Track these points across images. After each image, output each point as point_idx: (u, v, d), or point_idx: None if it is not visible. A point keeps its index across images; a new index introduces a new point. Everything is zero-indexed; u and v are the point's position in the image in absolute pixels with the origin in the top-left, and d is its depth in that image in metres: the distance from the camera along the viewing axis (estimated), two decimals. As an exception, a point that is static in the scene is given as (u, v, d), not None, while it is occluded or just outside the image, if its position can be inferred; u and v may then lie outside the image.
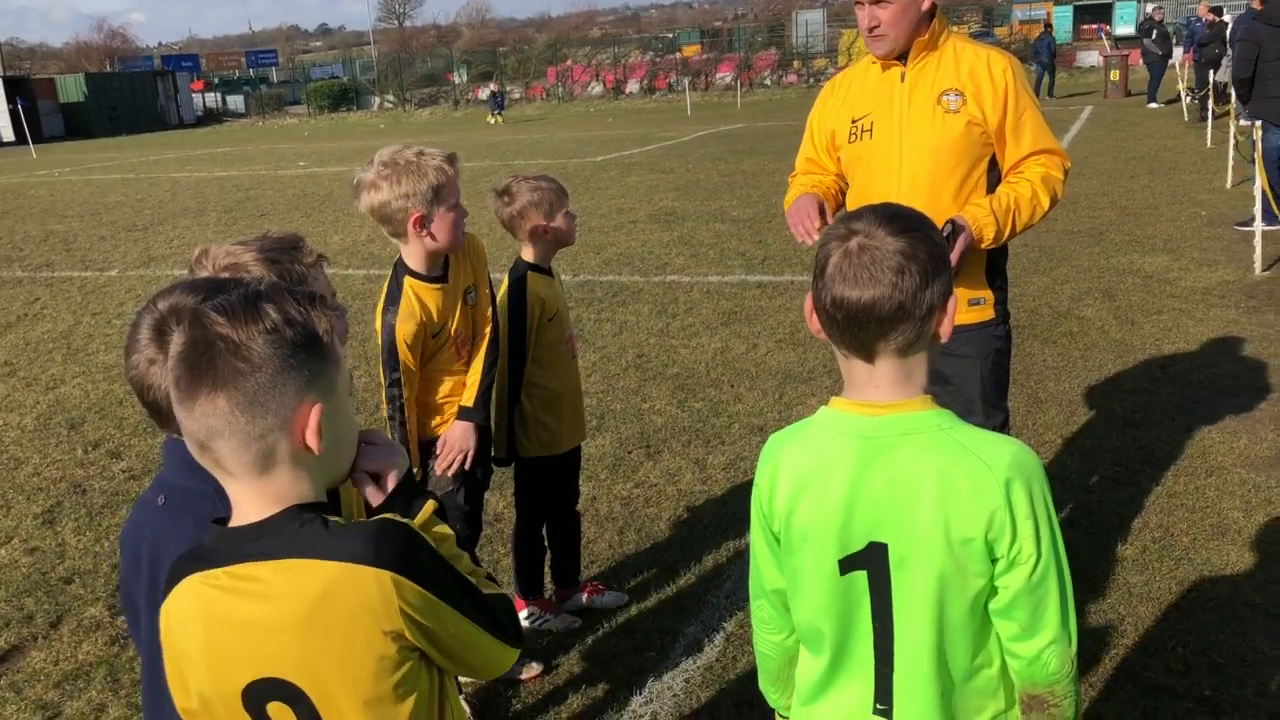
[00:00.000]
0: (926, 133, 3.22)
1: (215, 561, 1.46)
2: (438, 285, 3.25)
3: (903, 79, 3.27)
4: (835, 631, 1.78)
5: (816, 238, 3.14)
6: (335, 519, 1.47)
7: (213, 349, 1.39)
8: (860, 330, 1.67)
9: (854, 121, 3.35)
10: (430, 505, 1.60)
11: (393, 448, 1.63)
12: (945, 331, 1.72)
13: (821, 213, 3.23)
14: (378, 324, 3.25)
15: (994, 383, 3.43)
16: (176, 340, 1.43)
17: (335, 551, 1.41)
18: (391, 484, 1.60)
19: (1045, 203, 3.25)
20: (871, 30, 3.21)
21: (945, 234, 3.07)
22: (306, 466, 1.46)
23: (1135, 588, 3.94)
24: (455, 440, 3.36)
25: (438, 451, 3.37)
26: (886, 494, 1.68)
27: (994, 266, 3.38)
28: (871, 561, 1.72)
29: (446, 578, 1.50)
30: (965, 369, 3.34)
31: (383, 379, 3.28)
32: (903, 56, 3.27)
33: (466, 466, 3.38)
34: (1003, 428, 3.45)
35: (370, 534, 1.43)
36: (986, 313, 3.36)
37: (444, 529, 1.61)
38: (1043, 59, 28.60)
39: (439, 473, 3.36)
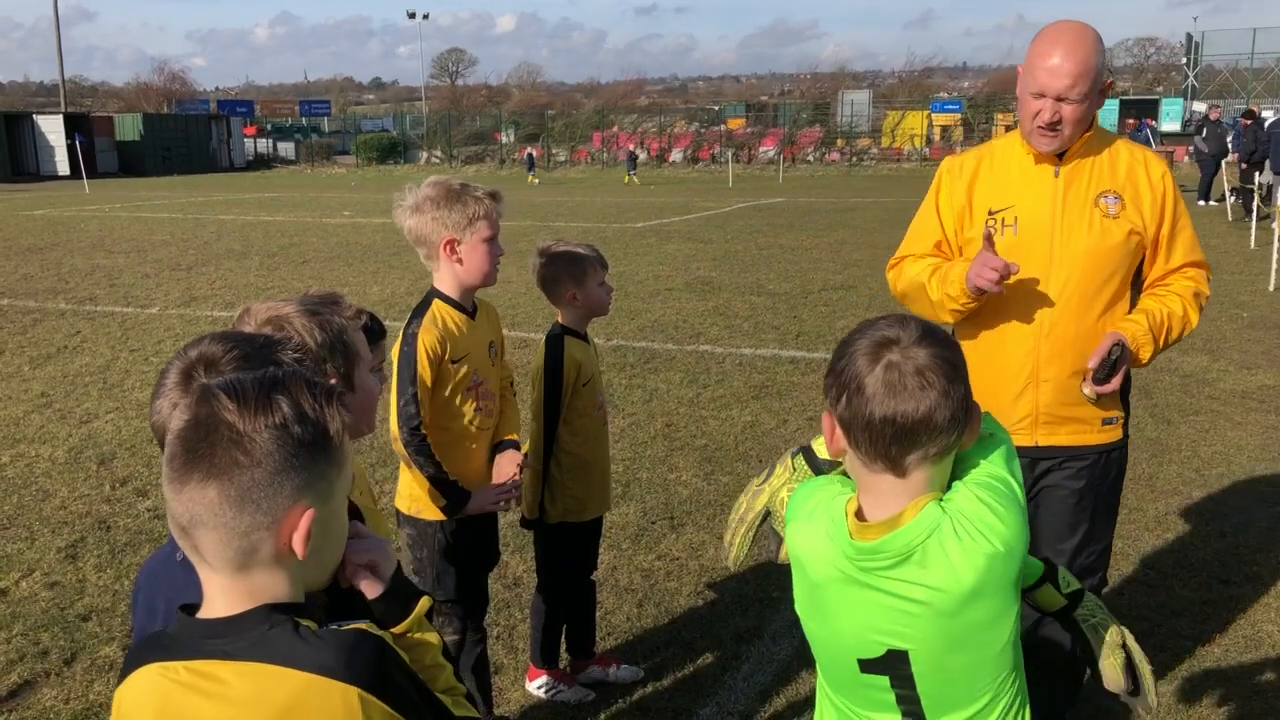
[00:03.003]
0: (1082, 237, 2.95)
1: (176, 653, 1.39)
2: (464, 315, 3.29)
3: (1057, 174, 2.99)
4: (862, 711, 1.82)
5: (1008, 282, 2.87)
6: (307, 623, 1.39)
7: (214, 434, 1.32)
8: (906, 443, 1.65)
9: (992, 212, 3.04)
10: (424, 603, 1.53)
11: (381, 542, 1.57)
12: (970, 439, 1.73)
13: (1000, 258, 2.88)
14: (396, 346, 3.20)
15: (1111, 503, 3.22)
16: (180, 415, 1.37)
17: (303, 661, 1.34)
18: (387, 574, 1.53)
19: (1194, 320, 3.07)
20: (1052, 125, 2.89)
21: (1114, 357, 2.89)
22: (287, 568, 1.39)
23: (1164, 697, 3.83)
24: (508, 467, 3.37)
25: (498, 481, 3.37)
26: (898, 605, 1.68)
27: (1128, 381, 3.16)
28: (892, 666, 1.72)
29: (417, 698, 1.42)
30: (1093, 490, 3.14)
31: (395, 400, 3.18)
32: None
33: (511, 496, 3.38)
34: (1107, 552, 3.26)
35: (343, 646, 1.36)
36: (1116, 433, 3.14)
37: (431, 635, 1.55)
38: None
39: (503, 491, 3.35)
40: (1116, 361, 2.88)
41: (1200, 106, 37.05)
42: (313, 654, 1.35)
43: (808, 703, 2.03)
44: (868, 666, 1.74)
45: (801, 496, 1.86)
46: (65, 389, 8.49)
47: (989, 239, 2.88)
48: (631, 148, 43.10)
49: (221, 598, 1.39)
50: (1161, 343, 3.00)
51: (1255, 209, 16.50)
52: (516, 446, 3.44)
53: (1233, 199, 20.45)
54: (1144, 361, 2.98)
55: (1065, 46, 2.85)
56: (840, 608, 1.74)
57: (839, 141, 49.52)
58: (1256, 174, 18.35)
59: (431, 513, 3.29)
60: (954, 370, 1.65)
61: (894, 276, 3.27)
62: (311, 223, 23.01)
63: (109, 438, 7.15)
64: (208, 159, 54.14)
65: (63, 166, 46.57)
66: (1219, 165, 23.07)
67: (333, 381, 1.49)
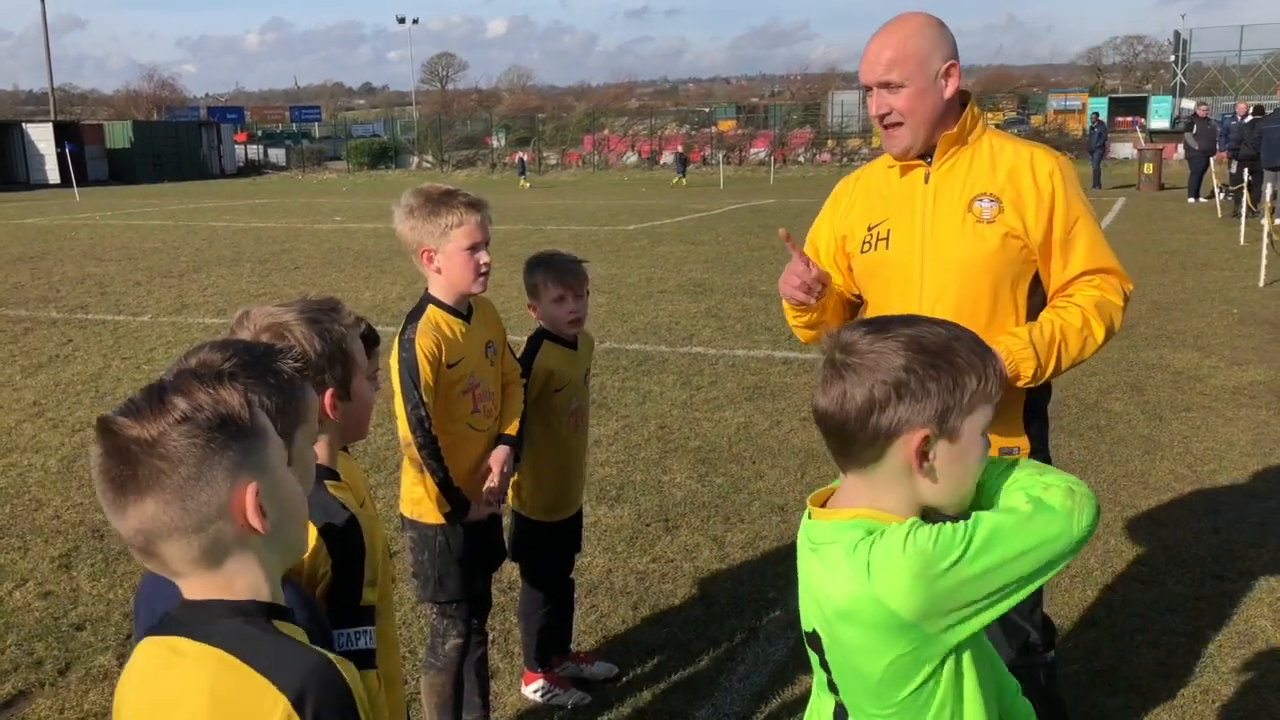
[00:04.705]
0: (954, 246, 2.70)
1: (166, 629, 1.43)
2: (459, 319, 3.29)
3: (926, 180, 2.76)
4: (817, 689, 1.88)
5: (814, 292, 2.78)
6: (283, 626, 1.43)
7: (127, 454, 1.34)
8: (830, 438, 1.72)
9: (869, 228, 2.85)
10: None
11: None
12: (915, 466, 1.65)
13: (810, 266, 2.78)
14: (394, 352, 3.20)
15: None
16: (94, 454, 1.38)
17: (259, 660, 1.37)
18: None
19: (1099, 334, 2.68)
20: (884, 120, 2.72)
21: None
22: (256, 549, 1.42)
23: (1159, 694, 3.85)
24: (500, 460, 3.38)
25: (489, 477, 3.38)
26: (814, 589, 1.75)
27: (1033, 408, 2.81)
28: (815, 645, 1.79)
29: None
30: None
31: (402, 409, 3.19)
32: (927, 155, 2.77)
33: (495, 482, 3.38)
34: (1046, 626, 2.95)
35: (306, 663, 1.38)
36: None
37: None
38: (1092, 148, 28.86)
39: (486, 489, 3.36)
40: None
41: (1189, 104, 37.18)
42: (271, 657, 1.37)
43: (802, 703, 2.04)
44: (807, 639, 1.82)
45: None
46: (57, 398, 8.46)
47: (787, 239, 2.76)
48: (680, 150, 42.98)
49: (198, 588, 1.42)
50: (1051, 360, 2.63)
51: (1244, 205, 16.56)
52: (512, 442, 3.45)
53: (1222, 195, 20.53)
54: (1027, 379, 2.62)
55: (881, 33, 2.70)
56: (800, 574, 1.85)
57: (829, 142, 49.60)
58: (1246, 169, 18.43)
59: (433, 516, 3.30)
60: (865, 382, 1.61)
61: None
62: (303, 228, 22.97)
63: (102, 446, 7.12)
64: (198, 166, 54.00)
65: (53, 175, 46.46)
66: (1208, 162, 23.16)
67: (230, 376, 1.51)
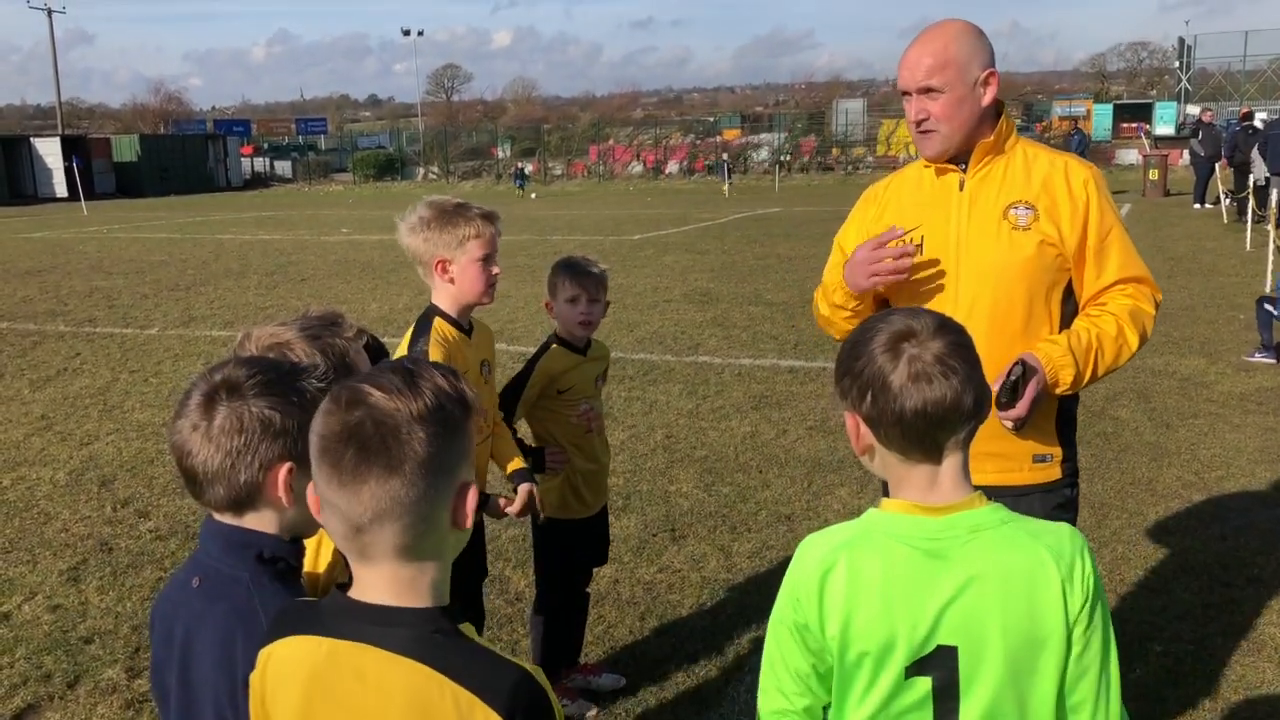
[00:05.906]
0: (990, 252, 2.70)
1: (331, 629, 1.41)
2: (461, 333, 3.33)
3: (961, 187, 2.76)
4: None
5: (905, 261, 2.71)
6: (470, 633, 1.42)
7: (383, 428, 1.34)
8: (939, 430, 1.68)
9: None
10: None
11: None
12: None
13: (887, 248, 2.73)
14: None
15: None
16: (335, 419, 1.37)
17: (463, 675, 1.36)
18: None
19: (1133, 342, 2.72)
20: (920, 125, 2.72)
21: (1014, 377, 2.56)
22: (450, 545, 1.43)
23: (1169, 702, 3.84)
24: (527, 492, 3.44)
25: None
26: (955, 595, 1.67)
27: (1065, 415, 2.81)
28: (939, 666, 1.69)
29: None
30: None
31: None
32: (961, 161, 2.78)
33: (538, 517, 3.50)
34: None
35: (511, 677, 1.38)
36: (1053, 472, 2.78)
37: None
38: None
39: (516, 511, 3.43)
40: (1017, 383, 2.55)
41: (1194, 109, 37.16)
42: (475, 672, 1.36)
43: (810, 713, 2.04)
44: (916, 666, 1.77)
45: (818, 548, 1.82)
46: (65, 411, 8.49)
47: (897, 240, 2.71)
48: (725, 157, 43.03)
49: (382, 584, 1.40)
50: (1089, 367, 2.66)
51: (1250, 211, 16.54)
52: (530, 477, 3.48)
53: (1227, 201, 20.52)
54: (1066, 387, 2.64)
55: (922, 39, 2.73)
56: (895, 603, 1.76)
57: (834, 150, 49.60)
58: (1250, 175, 18.42)
59: None
60: (972, 355, 1.70)
61: (817, 298, 3.12)
62: (309, 240, 23.04)
63: (110, 459, 7.15)
64: (205, 179, 54.10)
65: (60, 189, 46.59)
66: (1214, 168, 23.14)
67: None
